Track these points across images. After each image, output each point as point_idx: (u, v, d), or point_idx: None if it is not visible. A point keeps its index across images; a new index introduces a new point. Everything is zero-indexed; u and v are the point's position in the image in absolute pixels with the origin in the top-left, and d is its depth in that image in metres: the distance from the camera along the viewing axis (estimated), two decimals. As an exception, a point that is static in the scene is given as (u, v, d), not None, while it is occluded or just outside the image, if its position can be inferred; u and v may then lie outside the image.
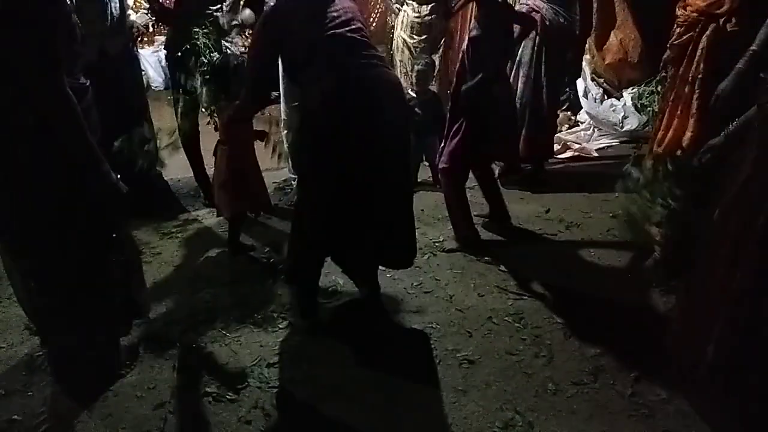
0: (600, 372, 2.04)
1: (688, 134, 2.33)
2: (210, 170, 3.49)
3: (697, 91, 2.30)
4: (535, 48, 3.42)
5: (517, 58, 3.50)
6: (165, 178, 3.55)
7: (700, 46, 2.26)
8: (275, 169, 3.98)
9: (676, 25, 2.40)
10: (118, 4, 3.01)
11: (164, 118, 3.53)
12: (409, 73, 4.08)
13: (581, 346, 2.18)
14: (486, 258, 2.80)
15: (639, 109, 4.32)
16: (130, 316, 2.07)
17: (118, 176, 1.69)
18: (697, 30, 2.28)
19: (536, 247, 2.96)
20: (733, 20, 2.20)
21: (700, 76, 2.28)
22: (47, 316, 1.77)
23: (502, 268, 2.73)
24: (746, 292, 1.68)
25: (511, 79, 3.55)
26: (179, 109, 3.29)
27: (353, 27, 2.03)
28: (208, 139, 3.15)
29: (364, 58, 2.02)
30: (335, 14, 2.01)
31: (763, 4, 2.14)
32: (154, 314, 2.34)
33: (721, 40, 2.22)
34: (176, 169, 3.71)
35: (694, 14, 2.29)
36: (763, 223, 1.63)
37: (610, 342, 2.19)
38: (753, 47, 2.10)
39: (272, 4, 2.19)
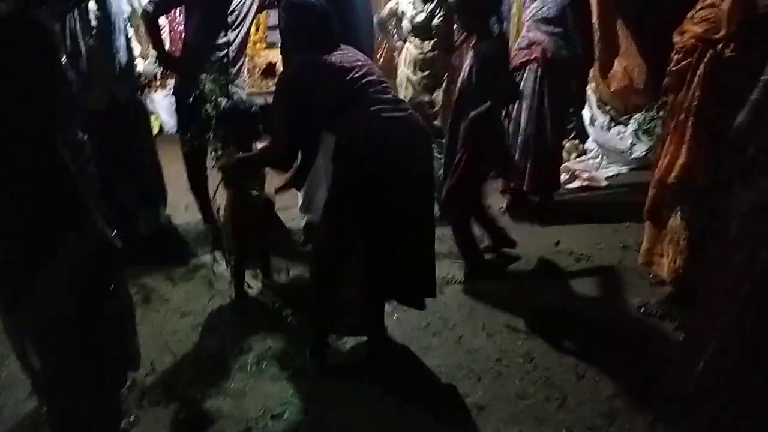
0: (615, 415, 1.98)
1: (680, 161, 2.30)
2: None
3: (691, 118, 2.28)
4: (537, 80, 3.42)
5: (520, 90, 3.50)
6: (174, 223, 3.58)
7: (698, 72, 2.24)
8: (283, 209, 4.00)
9: (674, 52, 2.39)
10: (125, 53, 3.10)
11: (177, 162, 3.57)
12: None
13: (594, 388, 2.12)
14: (494, 293, 2.76)
15: (640, 135, 4.30)
16: (124, 369, 2.06)
17: (114, 232, 1.69)
18: (695, 56, 2.26)
19: (547, 281, 2.91)
20: (732, 45, 2.17)
21: (695, 103, 2.26)
22: (43, 374, 1.76)
23: (511, 305, 2.69)
24: (749, 326, 1.64)
25: (514, 110, 3.57)
26: (187, 154, 3.34)
27: (376, 75, 2.17)
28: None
29: (393, 104, 2.15)
30: (359, 64, 2.14)
31: (761, 30, 2.12)
32: (160, 365, 2.34)
33: (719, 65, 2.20)
34: (183, 212, 3.76)
35: (692, 41, 2.28)
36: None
37: (624, 382, 2.13)
38: (765, 77, 2.06)
39: (296, 63, 2.23)
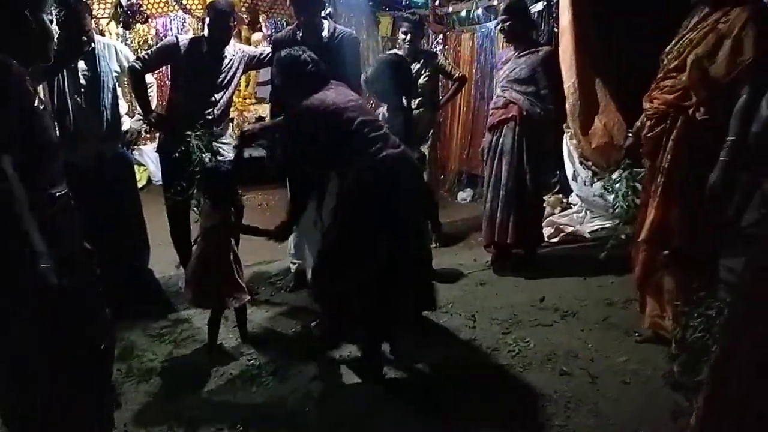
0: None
1: (671, 226, 2.33)
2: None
3: (661, 179, 2.34)
4: (516, 137, 3.53)
5: (500, 147, 3.60)
6: (156, 276, 3.53)
7: (672, 137, 2.30)
8: (268, 262, 3.99)
9: (645, 118, 2.45)
10: (112, 111, 3.14)
11: (162, 213, 3.56)
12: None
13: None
14: (480, 351, 2.73)
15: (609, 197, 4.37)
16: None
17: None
18: (668, 122, 2.32)
19: (533, 338, 2.86)
20: (702, 110, 2.24)
21: (665, 165, 2.32)
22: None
23: (500, 362, 2.65)
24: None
25: (494, 166, 3.64)
26: (170, 207, 3.35)
27: (368, 112, 2.46)
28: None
29: (388, 140, 2.36)
30: (352, 104, 2.38)
31: (729, 93, 2.18)
32: (136, 427, 2.25)
33: (692, 129, 2.26)
34: (167, 265, 3.72)
35: (662, 107, 2.34)
36: None
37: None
38: (730, 137, 2.13)
39: (302, 104, 2.38)
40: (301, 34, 3.16)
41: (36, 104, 1.66)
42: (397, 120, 2.82)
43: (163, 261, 3.72)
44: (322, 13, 3.27)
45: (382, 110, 3.01)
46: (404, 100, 2.96)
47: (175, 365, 2.75)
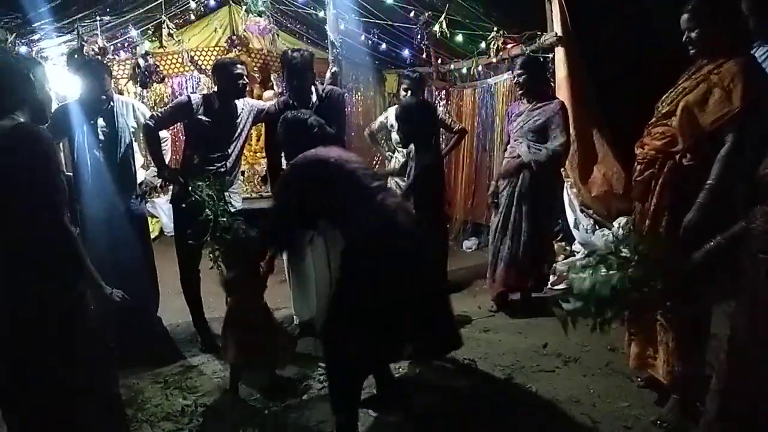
0: None
1: None
2: (209, 314, 3.58)
3: (648, 222, 2.41)
4: (533, 184, 3.70)
5: (516, 194, 3.74)
6: (164, 324, 3.59)
7: (660, 181, 2.39)
8: (273, 310, 4.03)
9: (636, 163, 2.54)
10: (128, 165, 3.30)
11: (172, 263, 3.66)
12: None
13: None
14: (482, 396, 2.74)
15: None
16: None
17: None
18: (657, 167, 2.41)
19: (536, 384, 2.87)
20: (688, 156, 2.32)
21: (652, 208, 2.39)
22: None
23: (500, 407, 2.65)
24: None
25: (513, 213, 3.77)
26: (182, 256, 3.45)
27: (365, 167, 2.47)
28: (210, 283, 3.29)
29: (386, 191, 2.44)
30: (355, 159, 2.44)
31: (711, 143, 2.27)
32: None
33: (679, 174, 2.34)
34: (175, 313, 3.79)
35: (652, 152, 2.44)
36: None
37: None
38: (710, 181, 2.22)
39: (307, 153, 2.44)
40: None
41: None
42: (425, 158, 2.99)
43: (172, 309, 3.80)
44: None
45: (398, 156, 3.17)
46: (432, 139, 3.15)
47: (186, 410, 2.77)
